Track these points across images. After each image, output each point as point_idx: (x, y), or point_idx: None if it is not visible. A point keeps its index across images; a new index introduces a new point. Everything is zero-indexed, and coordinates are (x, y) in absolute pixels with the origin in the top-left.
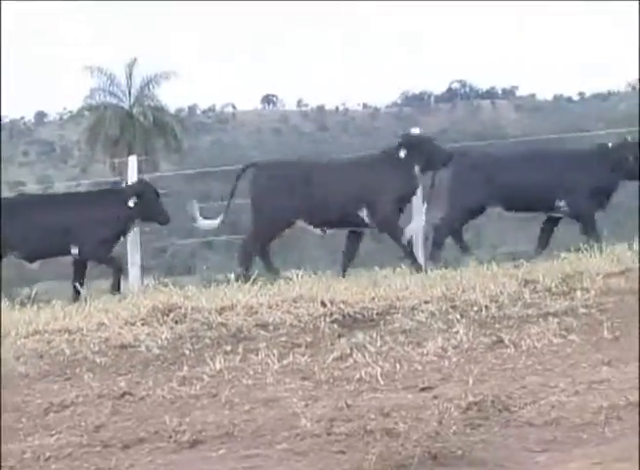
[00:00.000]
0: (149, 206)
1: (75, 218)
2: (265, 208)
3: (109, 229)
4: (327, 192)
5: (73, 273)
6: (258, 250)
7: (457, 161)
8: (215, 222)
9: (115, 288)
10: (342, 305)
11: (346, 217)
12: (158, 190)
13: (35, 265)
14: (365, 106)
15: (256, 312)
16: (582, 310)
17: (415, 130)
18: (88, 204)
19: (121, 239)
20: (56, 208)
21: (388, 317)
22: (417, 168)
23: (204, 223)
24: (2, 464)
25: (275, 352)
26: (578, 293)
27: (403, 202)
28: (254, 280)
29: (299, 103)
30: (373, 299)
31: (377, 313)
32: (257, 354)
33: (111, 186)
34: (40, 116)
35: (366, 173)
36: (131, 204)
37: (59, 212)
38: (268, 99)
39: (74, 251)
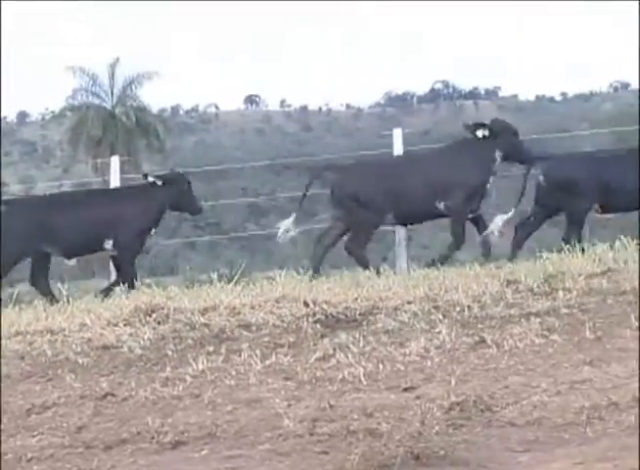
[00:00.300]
0: (181, 196)
1: (110, 213)
2: (360, 209)
3: (143, 222)
4: (413, 187)
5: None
6: (361, 254)
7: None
8: (289, 222)
9: (106, 293)
10: (324, 306)
11: (429, 210)
12: (189, 180)
13: (72, 262)
14: (348, 106)
15: (239, 313)
16: (564, 311)
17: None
18: (123, 198)
19: (152, 232)
20: (91, 203)
21: (370, 318)
22: (498, 155)
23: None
24: None
25: (258, 352)
26: (560, 293)
27: (479, 189)
28: (237, 281)
29: (283, 103)
30: (356, 299)
31: (360, 314)
32: (240, 355)
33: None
34: (22, 116)
35: (447, 163)
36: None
37: (94, 208)
38: (251, 99)
39: (108, 245)
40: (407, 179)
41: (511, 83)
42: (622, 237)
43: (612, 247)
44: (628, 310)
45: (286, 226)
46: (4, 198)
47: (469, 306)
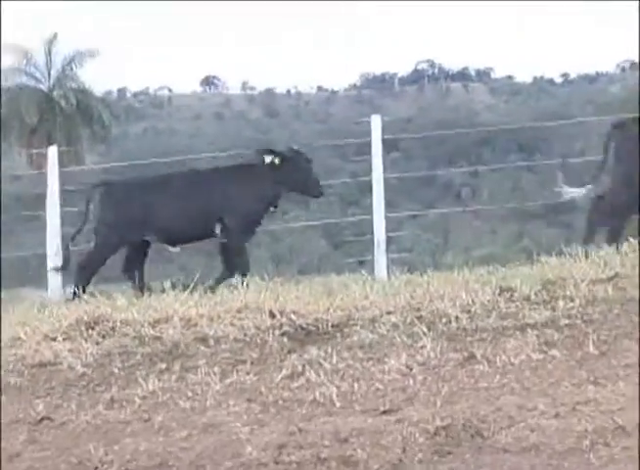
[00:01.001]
0: (299, 176)
1: (220, 194)
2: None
3: (255, 204)
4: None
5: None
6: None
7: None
8: (582, 191)
9: (217, 283)
10: (292, 317)
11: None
12: (309, 158)
13: (177, 249)
14: (320, 89)
15: (195, 325)
16: (565, 322)
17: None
18: (233, 178)
19: (264, 217)
20: (199, 184)
21: (345, 330)
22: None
23: (569, 190)
24: None
25: (217, 369)
26: (561, 302)
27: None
28: (193, 288)
29: (245, 85)
30: (328, 309)
31: (332, 325)
32: (196, 373)
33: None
34: None
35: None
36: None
37: (202, 189)
38: (209, 81)
39: (218, 230)
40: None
41: (505, 63)
42: (631, 239)
43: (619, 250)
44: (637, 321)
45: (576, 195)
46: (100, 180)
47: (457, 317)
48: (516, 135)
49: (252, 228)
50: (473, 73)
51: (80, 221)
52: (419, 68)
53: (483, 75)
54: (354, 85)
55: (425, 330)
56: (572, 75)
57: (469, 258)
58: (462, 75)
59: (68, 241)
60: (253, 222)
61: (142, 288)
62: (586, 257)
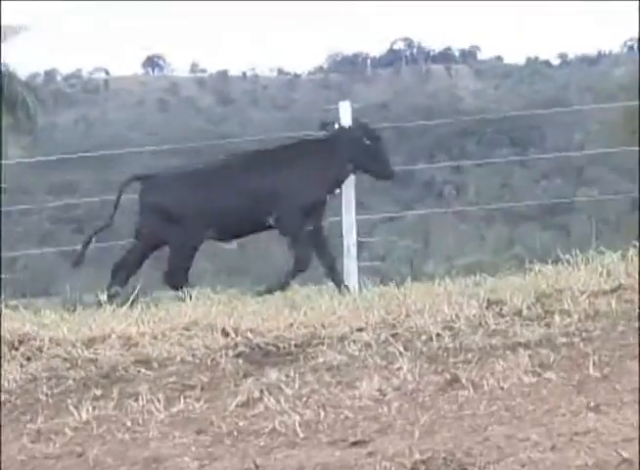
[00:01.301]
0: (367, 154)
1: (273, 179)
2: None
3: (314, 189)
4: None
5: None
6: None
7: None
8: None
9: (288, 279)
10: (249, 335)
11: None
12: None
13: (233, 246)
14: (281, 72)
15: (137, 345)
16: (562, 340)
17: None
18: (288, 158)
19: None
20: (248, 169)
21: (309, 350)
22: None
23: None
24: None
25: (161, 396)
26: (557, 317)
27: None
28: (134, 302)
29: (194, 67)
30: (291, 326)
31: (295, 345)
32: (137, 400)
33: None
34: None
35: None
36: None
37: (253, 175)
38: (153, 62)
39: (272, 220)
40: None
41: (493, 42)
42: (637, 243)
43: (624, 256)
44: None
45: None
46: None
47: (438, 335)
48: (506, 125)
49: (312, 215)
50: (456, 54)
51: (108, 217)
52: (395, 47)
53: (468, 56)
54: (320, 68)
55: (401, 350)
56: (571, 56)
57: (452, 266)
58: (444, 56)
59: (90, 236)
60: (310, 210)
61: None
62: (586, 265)
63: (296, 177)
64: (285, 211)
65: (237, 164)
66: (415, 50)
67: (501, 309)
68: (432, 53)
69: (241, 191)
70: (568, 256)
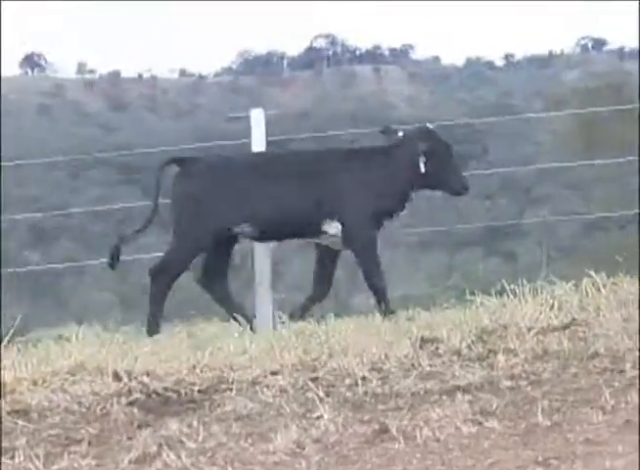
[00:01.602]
0: (441, 165)
1: (334, 183)
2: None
3: (381, 200)
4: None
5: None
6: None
7: None
8: None
9: (387, 310)
10: (145, 379)
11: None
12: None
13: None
14: (183, 73)
15: (13, 392)
16: (506, 383)
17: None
18: (354, 164)
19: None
20: (305, 166)
21: (216, 397)
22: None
23: None
24: None
25: (41, 451)
26: (501, 357)
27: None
28: (10, 341)
29: (82, 68)
30: (194, 368)
31: (199, 391)
32: (14, 457)
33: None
34: None
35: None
36: (422, 165)
37: (309, 174)
38: (32, 61)
39: (329, 229)
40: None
41: (429, 41)
42: (592, 272)
43: (577, 286)
44: (601, 383)
45: None
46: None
47: (364, 378)
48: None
49: (375, 230)
50: (386, 54)
51: (149, 210)
52: (315, 45)
53: (401, 56)
54: (229, 69)
55: (322, 395)
56: (518, 57)
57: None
58: (372, 56)
59: (126, 235)
60: (376, 223)
61: (233, 309)
62: (534, 296)
63: (365, 183)
64: (353, 218)
65: (293, 159)
66: (339, 48)
67: (437, 348)
68: (358, 52)
69: (294, 187)
70: (514, 286)
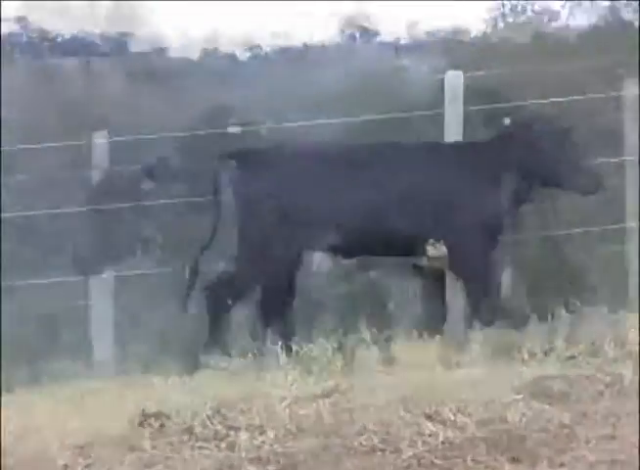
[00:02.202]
0: (558, 160)
1: (443, 189)
2: None
3: (494, 210)
4: None
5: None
6: None
7: None
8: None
9: (519, 322)
10: None
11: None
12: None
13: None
14: None
15: None
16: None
17: None
18: (464, 164)
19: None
20: (403, 167)
21: None
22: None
23: None
24: None
25: None
26: (244, 436)
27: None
28: None
29: None
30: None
31: None
32: None
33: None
34: None
35: None
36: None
37: (411, 176)
38: None
39: (434, 251)
40: None
41: (147, 26)
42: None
43: (341, 345)
44: (370, 467)
45: None
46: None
47: (66, 468)
48: (163, 150)
49: (490, 248)
50: (99, 42)
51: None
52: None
53: (118, 48)
54: None
55: None
56: (266, 49)
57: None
58: (72, 47)
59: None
60: (491, 239)
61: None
62: (288, 355)
63: (474, 187)
64: (459, 236)
65: (385, 156)
66: (32, 36)
67: (162, 426)
68: (59, 39)
69: (392, 192)
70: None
